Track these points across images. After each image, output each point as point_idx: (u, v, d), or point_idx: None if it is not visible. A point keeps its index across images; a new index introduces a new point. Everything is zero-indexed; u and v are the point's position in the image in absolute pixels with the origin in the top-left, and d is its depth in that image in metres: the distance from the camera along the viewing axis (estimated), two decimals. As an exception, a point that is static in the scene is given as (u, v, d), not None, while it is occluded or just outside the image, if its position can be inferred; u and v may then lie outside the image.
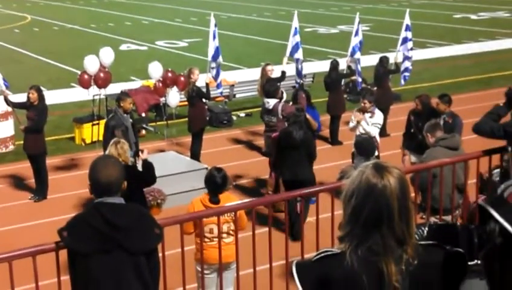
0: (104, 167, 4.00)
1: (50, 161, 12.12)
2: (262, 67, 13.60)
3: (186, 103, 13.21)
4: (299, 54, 14.18)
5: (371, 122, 10.22)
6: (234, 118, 16.10)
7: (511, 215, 2.63)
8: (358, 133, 10.17)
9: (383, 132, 12.23)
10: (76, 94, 17.15)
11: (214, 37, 13.53)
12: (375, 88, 15.01)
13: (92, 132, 13.96)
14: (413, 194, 4.59)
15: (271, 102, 11.32)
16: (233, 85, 17.09)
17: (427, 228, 3.64)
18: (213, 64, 13.72)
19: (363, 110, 10.28)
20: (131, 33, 31.40)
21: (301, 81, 14.48)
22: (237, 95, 17.16)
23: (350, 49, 15.39)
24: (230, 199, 6.76)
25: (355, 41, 15.29)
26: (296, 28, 14.20)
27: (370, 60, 18.45)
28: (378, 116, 10.37)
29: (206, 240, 6.54)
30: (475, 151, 5.76)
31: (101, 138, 12.50)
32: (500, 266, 2.75)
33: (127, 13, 40.07)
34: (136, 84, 17.75)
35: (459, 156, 6.57)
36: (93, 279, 3.92)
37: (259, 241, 4.98)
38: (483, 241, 3.02)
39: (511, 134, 5.73)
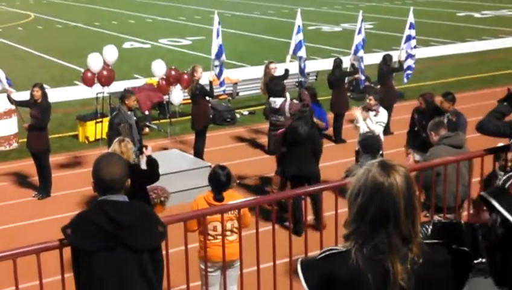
0: (107, 164, 3.99)
1: (53, 159, 12.13)
2: (266, 65, 13.58)
3: (189, 100, 13.20)
4: (302, 52, 14.18)
5: (376, 121, 10.21)
6: (237, 116, 16.09)
7: None
8: (362, 131, 10.16)
9: (386, 130, 12.21)
10: (79, 92, 17.15)
11: (218, 35, 13.55)
12: (378, 86, 15.02)
13: (95, 129, 13.97)
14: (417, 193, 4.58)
15: (278, 101, 11.17)
16: (236, 83, 17.09)
17: (431, 226, 3.63)
18: (216, 62, 13.74)
19: (368, 107, 10.28)
20: (135, 31, 31.41)
21: (304, 80, 14.48)
22: (240, 93, 17.16)
23: (353, 47, 15.38)
24: (234, 196, 6.76)
25: (358, 39, 15.27)
26: (299, 26, 14.20)
27: (373, 58, 18.42)
28: (383, 114, 10.36)
29: (210, 237, 6.53)
30: (479, 150, 5.75)
31: (104, 136, 12.53)
32: (502, 257, 2.75)
33: (130, 11, 40.08)
34: (139, 82, 17.78)
35: (463, 154, 6.56)
36: (96, 277, 3.93)
37: (263, 239, 4.98)
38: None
39: None
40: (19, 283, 4.17)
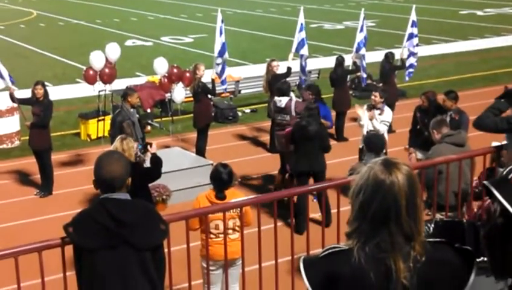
0: (108, 163, 3.99)
1: (55, 157, 12.13)
2: (268, 63, 13.55)
3: (191, 98, 13.20)
4: (304, 50, 14.15)
5: (380, 120, 10.20)
6: (239, 114, 16.09)
7: None
8: (366, 130, 10.15)
9: (389, 129, 12.20)
10: (81, 90, 17.17)
11: (221, 33, 13.52)
12: (380, 84, 15.00)
13: (97, 127, 13.97)
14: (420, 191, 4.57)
15: (283, 100, 10.83)
16: (238, 81, 17.08)
17: (433, 225, 3.63)
18: (219, 60, 13.71)
19: (373, 105, 10.28)
20: (137, 29, 31.41)
21: (304, 78, 14.45)
22: (242, 91, 17.15)
23: (355, 45, 15.36)
24: (236, 195, 6.75)
25: (360, 37, 15.24)
26: (302, 24, 14.17)
27: (375, 56, 18.41)
28: (387, 113, 10.35)
29: (212, 236, 6.53)
30: (481, 148, 5.74)
31: (106, 134, 12.53)
32: (501, 247, 2.75)
33: (132, 9, 40.08)
34: (141, 80, 17.78)
35: (465, 153, 6.55)
36: (98, 275, 3.92)
37: (265, 237, 4.98)
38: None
39: None
40: (20, 281, 4.17)
